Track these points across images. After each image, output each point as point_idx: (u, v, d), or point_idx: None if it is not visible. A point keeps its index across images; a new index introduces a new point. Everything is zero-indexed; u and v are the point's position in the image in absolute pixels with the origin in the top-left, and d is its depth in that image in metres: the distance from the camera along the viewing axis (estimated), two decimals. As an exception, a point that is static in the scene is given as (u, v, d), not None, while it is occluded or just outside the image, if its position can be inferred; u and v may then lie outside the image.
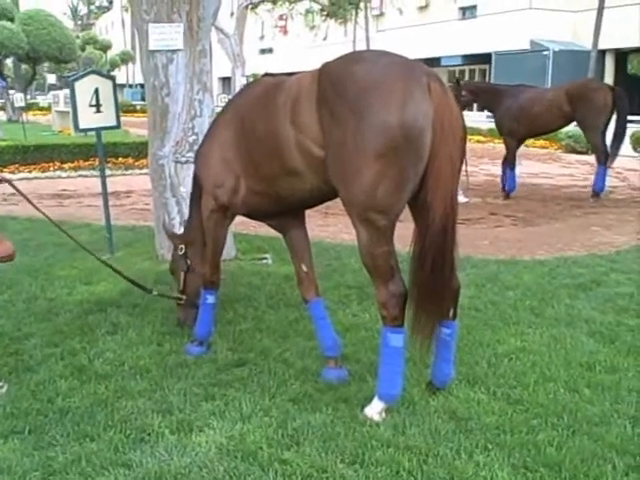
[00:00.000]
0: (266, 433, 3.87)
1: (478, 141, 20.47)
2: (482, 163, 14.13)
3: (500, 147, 14.52)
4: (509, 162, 12.77)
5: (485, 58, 38.14)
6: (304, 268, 4.90)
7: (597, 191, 12.27)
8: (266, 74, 5.00)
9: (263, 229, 9.34)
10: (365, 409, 4.11)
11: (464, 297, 6.15)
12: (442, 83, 3.84)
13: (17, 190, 4.93)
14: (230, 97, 5.13)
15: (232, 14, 37.32)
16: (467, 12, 42.80)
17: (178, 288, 5.52)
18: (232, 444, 3.77)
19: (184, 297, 5.47)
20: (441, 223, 3.80)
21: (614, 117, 11.93)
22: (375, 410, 4.08)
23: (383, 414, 4.06)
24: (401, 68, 3.82)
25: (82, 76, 7.95)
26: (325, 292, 6.31)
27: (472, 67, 42.08)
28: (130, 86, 70.04)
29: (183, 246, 5.44)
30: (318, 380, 4.55)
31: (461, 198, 12.05)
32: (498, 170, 13.33)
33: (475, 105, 12.55)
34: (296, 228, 4.96)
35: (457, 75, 13.45)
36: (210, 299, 5.15)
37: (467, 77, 40.22)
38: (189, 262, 5.43)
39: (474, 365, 4.78)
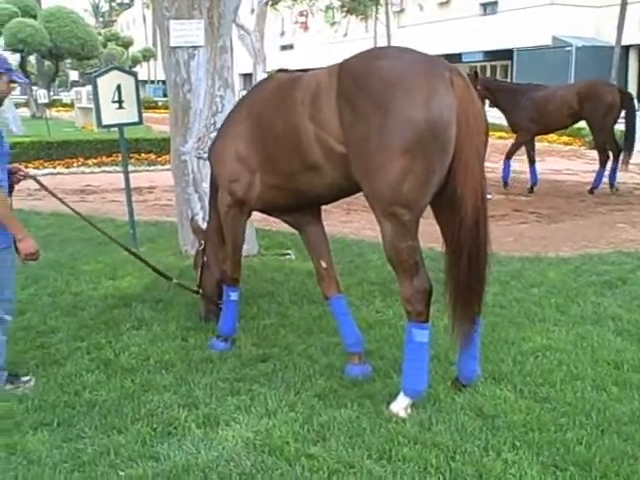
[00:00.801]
0: (292, 428, 3.87)
1: (500, 137, 20.33)
2: (494, 161, 14.05)
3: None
4: (509, 156, 12.99)
5: (506, 54, 37.94)
6: (323, 264, 4.89)
7: (594, 187, 12.64)
8: (280, 70, 4.97)
9: (286, 225, 9.37)
10: (391, 405, 4.10)
11: (488, 294, 6.12)
12: (464, 77, 3.87)
13: (43, 186, 4.97)
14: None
15: (252, 11, 37.36)
16: (488, 8, 42.56)
17: (197, 283, 5.57)
18: (258, 439, 3.78)
19: (200, 291, 5.53)
20: (473, 216, 3.82)
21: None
22: (401, 406, 4.07)
23: (409, 410, 4.05)
24: (424, 63, 3.84)
25: (104, 72, 7.99)
26: (348, 289, 6.31)
27: (493, 63, 41.87)
28: (152, 82, 70.38)
29: (203, 242, 5.50)
30: (343, 376, 4.55)
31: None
32: (521, 166, 13.31)
33: (487, 102, 12.60)
34: (312, 224, 4.94)
35: (477, 70, 13.43)
36: (233, 296, 5.16)
37: (488, 73, 39.99)
38: (205, 258, 5.48)
39: (499, 362, 4.76)
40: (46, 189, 4.99)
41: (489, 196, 11.81)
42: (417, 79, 3.73)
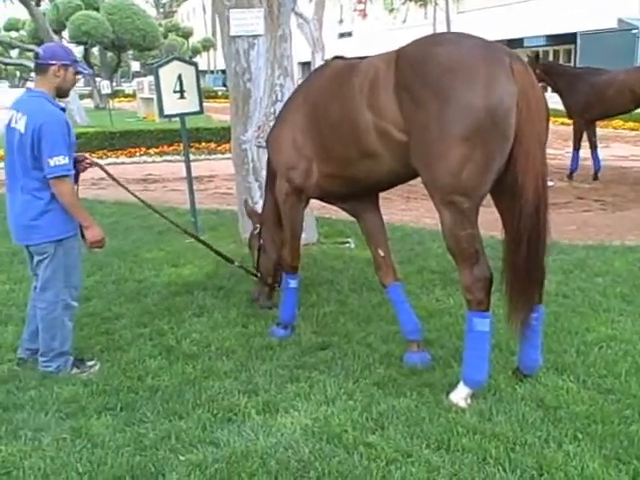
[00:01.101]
0: (351, 416, 3.88)
1: (563, 123, 19.88)
2: (567, 146, 13.72)
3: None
4: (576, 143, 12.70)
5: (570, 38, 37.04)
6: (381, 252, 4.87)
7: None
8: (336, 57, 4.96)
9: (345, 213, 9.36)
10: (450, 395, 4.07)
11: (551, 283, 6.03)
12: (524, 63, 3.81)
13: (108, 174, 5.08)
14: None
15: (311, -1, 37.30)
16: (552, -9, 41.59)
17: (253, 265, 5.65)
18: (317, 426, 3.79)
19: (258, 274, 5.62)
20: (534, 204, 3.78)
21: None
22: (460, 396, 4.03)
23: (469, 400, 4.02)
24: (483, 50, 3.78)
25: (166, 63, 8.09)
26: (408, 277, 6.30)
27: (556, 48, 40.95)
28: (211, 72, 70.93)
29: (258, 225, 5.57)
30: (402, 365, 4.53)
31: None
32: (584, 153, 13.05)
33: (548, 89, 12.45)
34: (370, 212, 4.93)
35: (539, 54, 13.17)
36: (292, 283, 5.19)
37: (551, 58, 39.13)
38: (261, 241, 5.55)
39: (562, 353, 4.68)
40: (112, 177, 5.10)
41: (551, 183, 11.67)
42: (476, 66, 3.68)
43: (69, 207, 4.38)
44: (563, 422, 3.78)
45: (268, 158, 5.29)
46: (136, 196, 5.27)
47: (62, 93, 4.50)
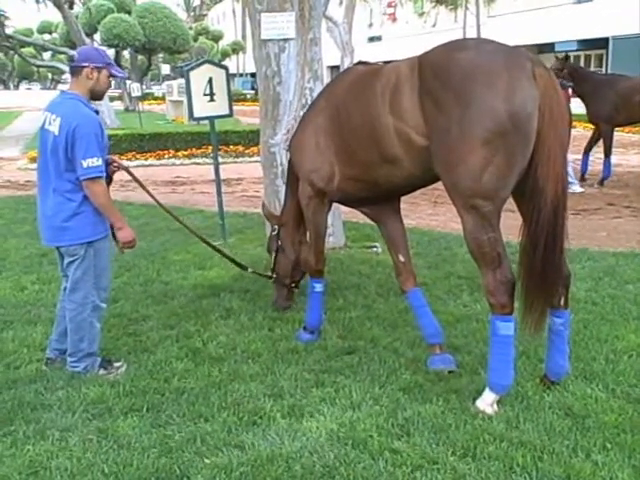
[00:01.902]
0: (376, 422, 3.86)
1: (592, 129, 19.69)
2: (597, 152, 13.60)
3: (617, 136, 14.06)
4: (607, 150, 12.58)
5: (602, 43, 36.68)
6: (401, 258, 4.90)
7: None
8: (359, 62, 5.04)
9: (372, 217, 9.34)
10: (477, 402, 4.04)
11: (580, 290, 5.98)
12: (546, 68, 3.84)
13: (135, 178, 5.08)
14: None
15: (341, 2, 37.30)
16: (583, -4, 41.24)
17: (270, 267, 5.66)
18: (342, 431, 3.78)
19: (274, 276, 5.63)
20: (552, 206, 3.79)
21: None
22: (487, 402, 4.01)
23: (495, 407, 3.99)
24: (505, 55, 3.82)
25: (197, 66, 8.12)
26: (435, 282, 6.28)
27: (587, 53, 40.58)
28: (240, 75, 71.31)
29: (277, 227, 5.59)
30: (428, 370, 4.50)
31: (576, 188, 11.73)
32: (615, 159, 12.97)
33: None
34: (391, 217, 4.95)
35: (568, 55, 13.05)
36: (318, 287, 5.18)
37: (582, 63, 38.79)
38: (280, 242, 5.57)
39: (591, 361, 4.62)
40: (137, 181, 5.10)
41: (581, 189, 11.57)
42: (499, 71, 3.72)
43: (102, 208, 4.42)
44: (592, 431, 3.74)
45: (289, 160, 5.33)
46: (156, 200, 5.25)
47: (96, 96, 4.54)
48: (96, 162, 4.28)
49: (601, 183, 12.54)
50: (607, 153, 12.53)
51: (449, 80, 3.81)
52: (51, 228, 4.47)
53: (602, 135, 12.65)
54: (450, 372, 4.50)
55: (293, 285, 5.71)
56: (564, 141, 3.86)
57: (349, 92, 4.58)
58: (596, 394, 4.14)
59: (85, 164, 4.25)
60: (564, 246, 3.96)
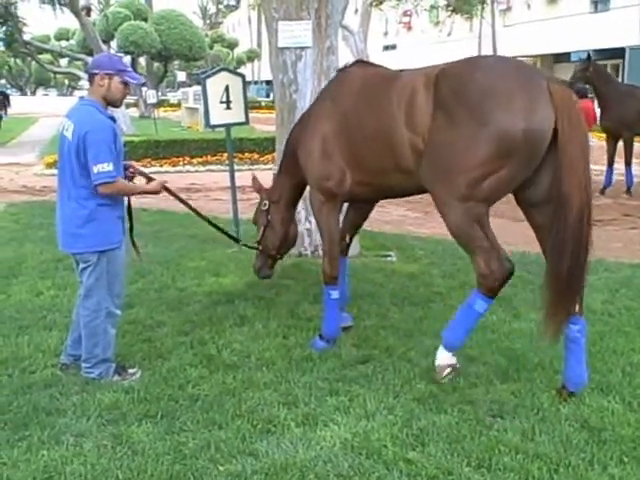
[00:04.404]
0: (391, 431, 3.85)
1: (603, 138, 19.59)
2: (614, 162, 13.55)
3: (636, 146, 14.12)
4: (628, 162, 12.69)
5: (618, 53, 36.52)
6: (347, 240, 5.43)
7: None
8: (357, 61, 5.30)
9: (387, 227, 9.33)
10: (437, 356, 4.48)
11: (596, 302, 5.95)
12: (561, 84, 4.11)
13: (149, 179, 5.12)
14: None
15: (356, 11, 37.40)
16: (599, 5, 41.08)
17: (257, 239, 5.77)
18: (356, 440, 3.76)
19: (260, 247, 5.74)
20: (579, 213, 3.91)
21: None
22: (443, 359, 4.45)
23: (447, 371, 4.41)
24: (522, 74, 4.02)
25: (213, 74, 8.15)
26: (450, 291, 6.26)
27: (604, 62, 40.32)
28: (255, 83, 71.52)
29: (267, 202, 5.66)
30: (443, 381, 4.48)
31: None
32: (617, 169, 13.01)
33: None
34: (366, 207, 5.39)
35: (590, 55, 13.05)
36: (334, 294, 5.18)
37: (598, 73, 38.65)
38: (269, 217, 5.66)
39: (607, 373, 4.59)
40: (174, 194, 5.17)
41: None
42: (516, 91, 3.91)
43: (125, 194, 4.61)
44: (608, 444, 3.71)
45: (287, 143, 5.51)
46: (177, 196, 5.29)
47: (111, 102, 4.57)
48: (107, 167, 4.32)
49: (628, 192, 12.66)
50: (628, 162, 12.64)
51: (466, 98, 4.00)
52: (66, 234, 4.51)
53: (625, 143, 12.67)
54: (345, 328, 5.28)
55: (278, 256, 5.80)
56: (585, 149, 3.97)
57: (360, 98, 4.70)
58: (613, 407, 4.11)
59: (96, 169, 4.30)
60: (589, 254, 4.06)
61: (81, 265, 4.55)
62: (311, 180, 5.09)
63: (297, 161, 5.21)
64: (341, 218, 5.38)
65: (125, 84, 4.56)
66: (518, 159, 3.91)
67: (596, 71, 12.63)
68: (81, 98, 4.68)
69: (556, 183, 3.95)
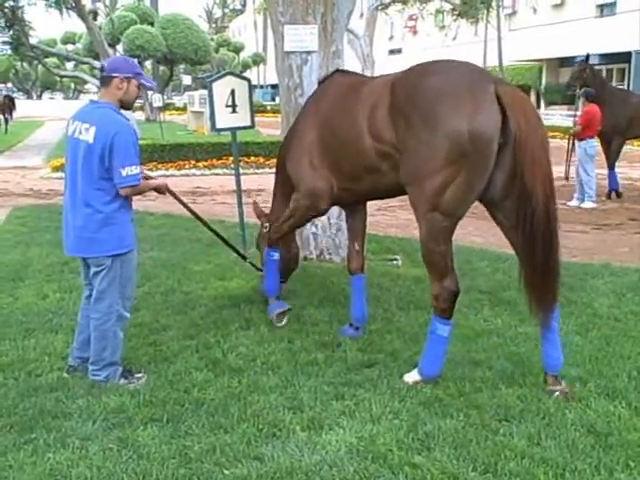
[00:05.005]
0: (396, 436, 3.84)
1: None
2: (619, 166, 13.52)
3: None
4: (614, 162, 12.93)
5: (624, 57, 36.51)
6: (356, 247, 5.46)
7: None
8: (337, 71, 5.59)
9: (393, 230, 9.33)
10: (405, 375, 4.56)
11: (603, 306, 5.95)
12: (511, 85, 4.38)
13: (174, 196, 5.16)
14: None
15: (362, 15, 37.44)
16: (605, 9, 41.07)
17: (261, 262, 5.91)
18: (362, 445, 3.76)
19: (262, 269, 5.91)
20: (544, 204, 4.07)
21: None
22: (412, 379, 4.51)
23: (418, 386, 4.43)
24: (469, 78, 4.23)
25: (219, 77, 8.15)
26: (455, 296, 6.21)
27: (610, 66, 40.38)
28: (261, 87, 71.58)
29: (267, 225, 5.83)
30: (448, 385, 4.47)
31: (588, 203, 11.83)
32: (636, 174, 13.00)
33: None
34: (359, 211, 5.46)
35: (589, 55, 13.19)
36: (275, 256, 5.64)
37: (604, 77, 38.64)
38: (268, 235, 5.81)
39: (613, 378, 4.57)
40: (178, 198, 5.25)
41: (594, 205, 11.63)
42: (462, 96, 4.09)
43: (140, 193, 4.65)
44: (614, 449, 3.70)
45: (277, 162, 5.73)
46: (180, 200, 5.32)
47: (125, 105, 4.58)
48: (135, 170, 4.36)
49: (608, 196, 12.83)
50: (613, 165, 12.89)
51: (418, 103, 4.21)
52: (79, 238, 4.49)
53: (614, 147, 12.88)
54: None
55: (282, 280, 5.91)
56: (546, 144, 4.14)
57: (333, 109, 4.98)
58: (619, 412, 4.10)
59: (124, 172, 4.31)
60: (559, 245, 4.24)
61: (94, 269, 4.54)
62: (301, 187, 5.26)
63: (290, 182, 5.41)
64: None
65: (139, 88, 4.58)
66: (469, 163, 4.06)
67: (593, 74, 12.75)
68: (93, 101, 4.66)
69: (518, 181, 4.09)
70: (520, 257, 4.34)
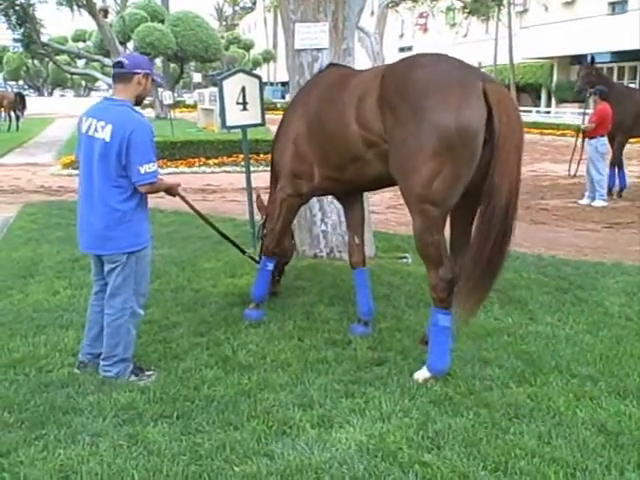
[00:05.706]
0: (406, 434, 3.84)
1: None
2: (630, 164, 13.43)
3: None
4: (616, 163, 12.92)
5: (636, 55, 36.32)
6: (356, 240, 5.54)
7: None
8: (331, 64, 5.70)
9: (403, 228, 9.30)
10: (415, 373, 4.55)
11: (614, 305, 5.93)
12: (498, 83, 4.46)
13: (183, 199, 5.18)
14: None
15: (372, 13, 37.39)
16: (617, 7, 40.88)
17: (259, 252, 6.06)
18: (372, 443, 3.76)
19: (259, 260, 6.00)
20: (506, 204, 4.14)
21: None
22: (422, 376, 4.51)
23: (428, 383, 4.43)
24: (458, 73, 4.28)
25: (230, 75, 8.14)
26: (466, 294, 6.19)
27: (621, 64, 40.21)
28: (271, 84, 71.59)
29: (266, 216, 6.02)
30: (459, 383, 4.46)
31: (599, 202, 11.80)
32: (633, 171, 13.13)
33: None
34: (355, 204, 5.54)
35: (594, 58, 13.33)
36: (269, 266, 5.79)
37: (615, 75, 38.47)
38: (264, 231, 6.05)
39: (624, 377, 4.56)
40: (188, 202, 5.36)
41: (605, 204, 11.64)
42: (450, 90, 4.16)
43: (157, 191, 4.65)
44: (625, 449, 3.68)
45: (272, 158, 5.80)
46: (192, 206, 5.35)
47: (139, 101, 4.59)
48: (153, 167, 4.37)
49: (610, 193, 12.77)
50: (616, 163, 12.90)
51: (407, 95, 4.27)
52: (94, 236, 4.49)
53: (617, 145, 12.86)
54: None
55: (277, 276, 6.16)
56: (520, 146, 4.22)
57: (322, 100, 5.07)
58: (630, 411, 4.08)
59: (142, 170, 4.32)
60: (510, 244, 4.32)
61: (109, 265, 4.54)
62: (284, 174, 5.42)
63: None
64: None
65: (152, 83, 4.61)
66: (455, 156, 4.13)
67: (598, 74, 12.81)
68: (108, 98, 4.64)
69: (489, 176, 4.16)
70: (470, 247, 4.41)
